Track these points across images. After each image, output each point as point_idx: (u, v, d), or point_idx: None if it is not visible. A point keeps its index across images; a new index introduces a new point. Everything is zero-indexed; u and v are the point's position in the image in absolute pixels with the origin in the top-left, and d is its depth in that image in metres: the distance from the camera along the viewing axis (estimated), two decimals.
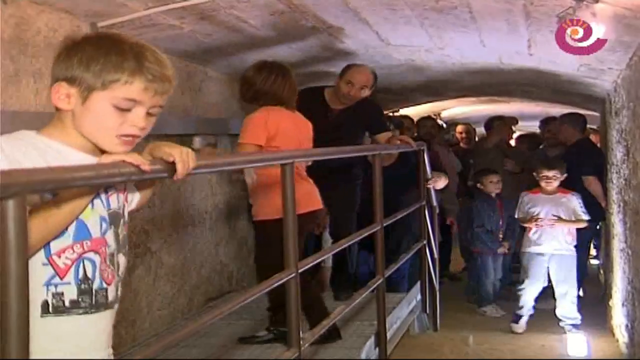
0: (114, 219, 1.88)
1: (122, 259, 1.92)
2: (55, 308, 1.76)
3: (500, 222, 7.02)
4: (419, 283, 5.97)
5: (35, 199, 1.68)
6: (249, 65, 4.52)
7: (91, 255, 1.81)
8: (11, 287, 1.36)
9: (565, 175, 6.50)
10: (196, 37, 4.57)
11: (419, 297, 5.90)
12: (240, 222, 6.15)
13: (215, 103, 5.64)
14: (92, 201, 1.80)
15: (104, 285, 1.83)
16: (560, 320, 6.45)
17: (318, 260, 3.36)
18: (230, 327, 4.66)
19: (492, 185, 7.03)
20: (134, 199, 2.05)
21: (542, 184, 6.51)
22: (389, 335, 4.53)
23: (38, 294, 1.73)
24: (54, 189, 1.68)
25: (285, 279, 2.79)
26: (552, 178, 6.46)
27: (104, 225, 1.84)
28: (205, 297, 5.45)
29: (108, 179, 1.74)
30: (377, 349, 4.36)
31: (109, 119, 1.79)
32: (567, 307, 6.44)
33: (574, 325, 6.39)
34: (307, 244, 5.00)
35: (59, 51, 1.82)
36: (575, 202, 6.45)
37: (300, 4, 4.23)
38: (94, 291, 1.81)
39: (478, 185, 7.11)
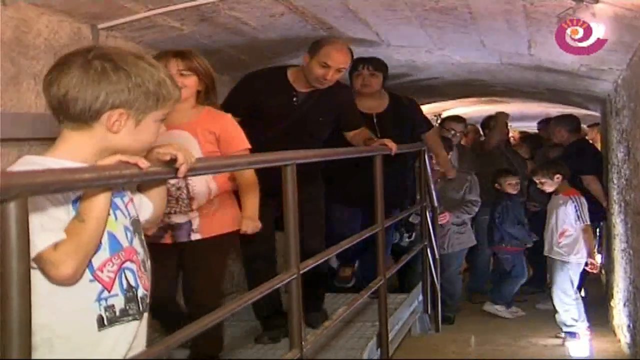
0: (136, 226, 1.93)
1: (149, 264, 1.97)
2: (110, 320, 1.83)
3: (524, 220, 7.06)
4: (420, 284, 5.96)
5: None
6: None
7: (129, 264, 1.88)
8: (13, 288, 1.36)
9: (558, 177, 6.41)
10: (196, 39, 4.57)
11: (420, 298, 5.89)
12: None
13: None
14: (114, 213, 1.84)
15: (144, 291, 1.91)
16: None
17: (320, 262, 3.35)
18: (232, 328, 4.66)
19: (511, 187, 7.04)
20: (143, 204, 2.06)
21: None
22: (390, 336, 4.53)
23: (91, 311, 1.80)
24: (56, 190, 1.68)
25: (287, 281, 2.78)
26: (539, 184, 6.47)
27: (129, 234, 1.89)
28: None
29: (109, 181, 1.74)
30: (379, 350, 4.36)
31: (155, 135, 1.90)
32: (560, 314, 6.34)
33: (569, 333, 6.26)
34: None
35: (87, 74, 1.79)
36: (570, 208, 6.30)
37: (300, 5, 4.23)
38: (139, 298, 1.89)
39: (496, 185, 7.07)
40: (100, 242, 1.80)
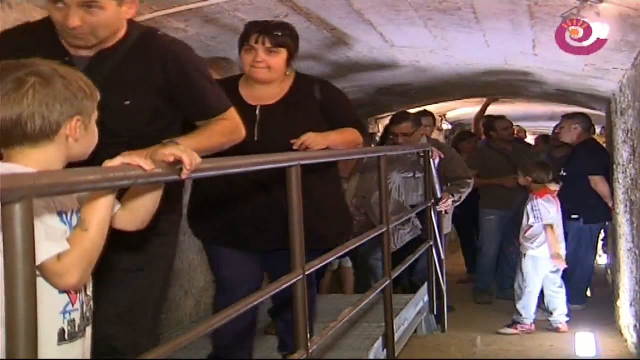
0: None
1: None
2: (70, 335, 1.81)
3: None
4: (426, 284, 5.96)
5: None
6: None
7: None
8: (19, 291, 1.36)
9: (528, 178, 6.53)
10: (201, 40, 4.58)
11: (426, 298, 5.89)
12: None
13: None
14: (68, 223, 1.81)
15: (86, 306, 1.89)
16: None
17: (325, 263, 3.35)
18: None
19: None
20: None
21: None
22: (396, 336, 4.53)
23: (55, 323, 1.77)
24: (60, 193, 1.68)
25: (293, 281, 2.78)
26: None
27: None
28: (212, 300, 5.44)
29: (114, 183, 1.74)
30: (385, 350, 4.36)
31: (97, 135, 1.93)
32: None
33: (552, 322, 6.48)
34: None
35: (41, 92, 1.77)
36: (528, 206, 6.47)
37: (304, 7, 4.24)
38: (84, 313, 1.86)
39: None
40: None
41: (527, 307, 6.45)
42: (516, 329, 6.42)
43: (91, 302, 1.90)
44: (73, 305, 1.81)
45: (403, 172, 5.94)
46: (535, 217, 6.40)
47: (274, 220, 3.41)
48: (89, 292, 1.90)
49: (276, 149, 3.01)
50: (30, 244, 1.37)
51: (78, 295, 1.82)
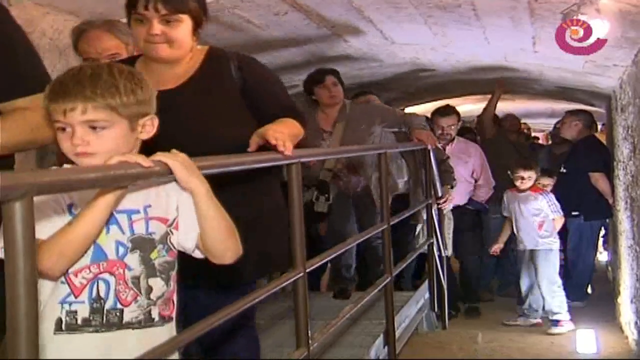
0: (139, 243, 1.90)
1: (156, 283, 1.93)
2: (68, 325, 1.81)
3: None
4: (427, 281, 5.96)
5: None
6: None
7: (106, 276, 1.85)
8: (20, 289, 1.36)
9: (537, 175, 6.51)
10: (200, 37, 4.57)
11: (427, 295, 5.89)
12: None
13: None
14: (107, 227, 1.83)
15: (119, 305, 1.87)
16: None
17: (325, 260, 3.34)
18: None
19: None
20: (189, 231, 1.97)
21: (517, 183, 6.50)
22: (397, 333, 4.53)
23: (53, 311, 1.80)
24: (61, 190, 1.68)
25: (292, 279, 2.78)
26: (526, 179, 6.46)
27: (122, 249, 1.87)
28: None
29: (115, 181, 1.74)
30: (386, 347, 4.36)
31: None
32: (548, 302, 6.44)
33: (553, 322, 6.39)
34: None
35: (122, 88, 1.82)
36: (542, 201, 6.44)
37: (304, 4, 4.23)
38: (105, 310, 1.85)
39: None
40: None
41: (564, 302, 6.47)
42: (561, 325, 6.36)
43: (152, 308, 1.91)
44: (76, 296, 1.81)
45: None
46: (553, 210, 6.42)
47: None
48: (153, 296, 1.91)
49: (181, 147, 1.97)
50: (31, 242, 1.37)
51: (87, 288, 1.82)
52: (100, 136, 1.80)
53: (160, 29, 2.59)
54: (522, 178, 6.44)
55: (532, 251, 6.48)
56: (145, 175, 1.78)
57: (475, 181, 6.74)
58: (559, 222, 6.51)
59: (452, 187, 6.12)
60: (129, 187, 1.84)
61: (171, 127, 2.10)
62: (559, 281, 6.46)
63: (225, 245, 1.97)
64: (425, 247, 5.87)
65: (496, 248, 6.81)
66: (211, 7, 4.03)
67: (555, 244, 6.48)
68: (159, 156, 1.84)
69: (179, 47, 2.66)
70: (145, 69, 2.63)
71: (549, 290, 6.38)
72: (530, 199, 6.46)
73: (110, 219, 1.83)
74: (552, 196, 6.49)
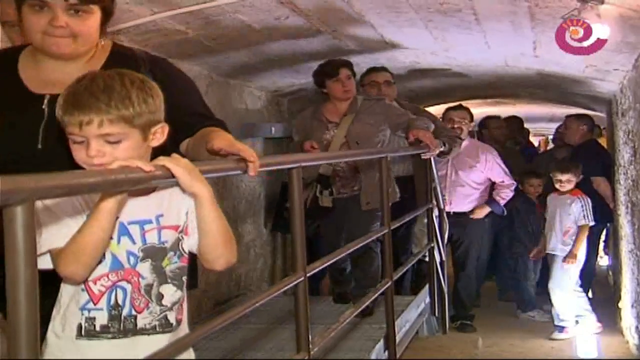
0: (150, 253, 1.92)
1: (168, 290, 1.95)
2: (87, 332, 1.87)
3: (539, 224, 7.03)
4: (427, 286, 5.95)
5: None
6: None
7: (124, 284, 1.89)
8: (20, 293, 1.36)
9: (581, 177, 6.52)
10: (201, 42, 4.58)
11: (427, 299, 5.88)
12: (246, 226, 6.15)
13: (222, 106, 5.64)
14: (118, 237, 1.87)
15: (133, 312, 1.90)
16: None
17: (327, 264, 3.34)
18: (239, 331, 4.66)
19: (533, 188, 7.10)
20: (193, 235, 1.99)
21: (557, 186, 6.52)
22: (398, 337, 4.52)
23: (75, 317, 1.87)
24: (62, 194, 1.68)
25: (293, 283, 2.78)
26: (565, 182, 6.46)
27: (132, 258, 1.90)
28: (213, 301, 5.45)
29: (116, 185, 1.74)
30: (386, 351, 4.35)
31: None
32: (556, 307, 6.47)
33: (557, 327, 6.41)
34: None
35: (134, 96, 1.83)
36: (577, 205, 6.43)
37: (304, 8, 4.23)
38: (122, 317, 1.89)
39: (518, 186, 7.07)
40: (104, 258, 1.85)
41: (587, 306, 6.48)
42: (567, 332, 6.38)
43: (168, 313, 1.93)
44: (95, 304, 1.86)
45: None
46: (583, 216, 6.42)
47: None
48: (165, 302, 1.93)
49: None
50: (32, 246, 1.37)
51: (105, 296, 1.86)
52: (115, 148, 1.82)
53: (64, 21, 2.13)
54: (560, 181, 6.48)
55: (552, 255, 6.52)
56: (146, 179, 1.78)
57: (493, 184, 6.63)
58: (585, 229, 6.45)
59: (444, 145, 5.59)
60: (146, 195, 1.91)
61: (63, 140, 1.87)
62: (575, 289, 6.45)
63: (219, 251, 1.97)
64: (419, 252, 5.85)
65: (536, 252, 6.83)
66: (212, 11, 4.05)
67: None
68: (161, 161, 1.84)
69: (84, 42, 2.20)
70: (34, 64, 2.24)
71: (560, 297, 6.40)
72: (566, 202, 6.46)
73: (121, 230, 1.87)
74: (588, 201, 6.46)
